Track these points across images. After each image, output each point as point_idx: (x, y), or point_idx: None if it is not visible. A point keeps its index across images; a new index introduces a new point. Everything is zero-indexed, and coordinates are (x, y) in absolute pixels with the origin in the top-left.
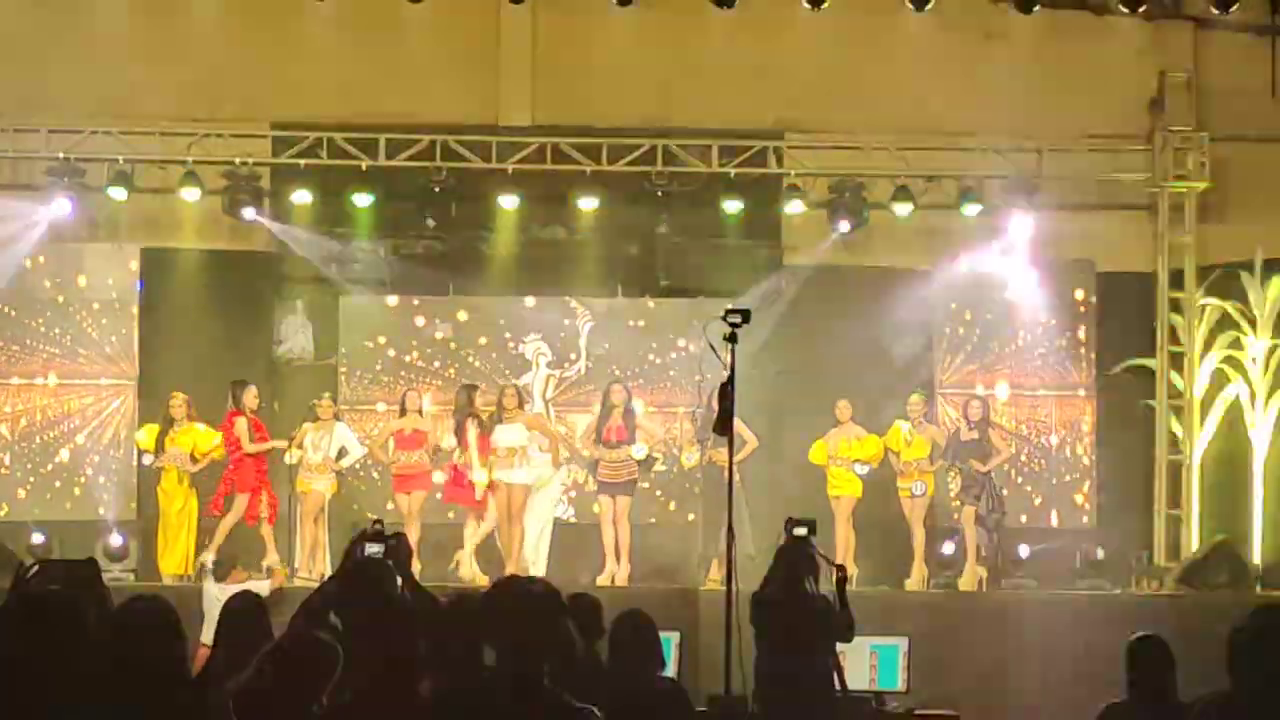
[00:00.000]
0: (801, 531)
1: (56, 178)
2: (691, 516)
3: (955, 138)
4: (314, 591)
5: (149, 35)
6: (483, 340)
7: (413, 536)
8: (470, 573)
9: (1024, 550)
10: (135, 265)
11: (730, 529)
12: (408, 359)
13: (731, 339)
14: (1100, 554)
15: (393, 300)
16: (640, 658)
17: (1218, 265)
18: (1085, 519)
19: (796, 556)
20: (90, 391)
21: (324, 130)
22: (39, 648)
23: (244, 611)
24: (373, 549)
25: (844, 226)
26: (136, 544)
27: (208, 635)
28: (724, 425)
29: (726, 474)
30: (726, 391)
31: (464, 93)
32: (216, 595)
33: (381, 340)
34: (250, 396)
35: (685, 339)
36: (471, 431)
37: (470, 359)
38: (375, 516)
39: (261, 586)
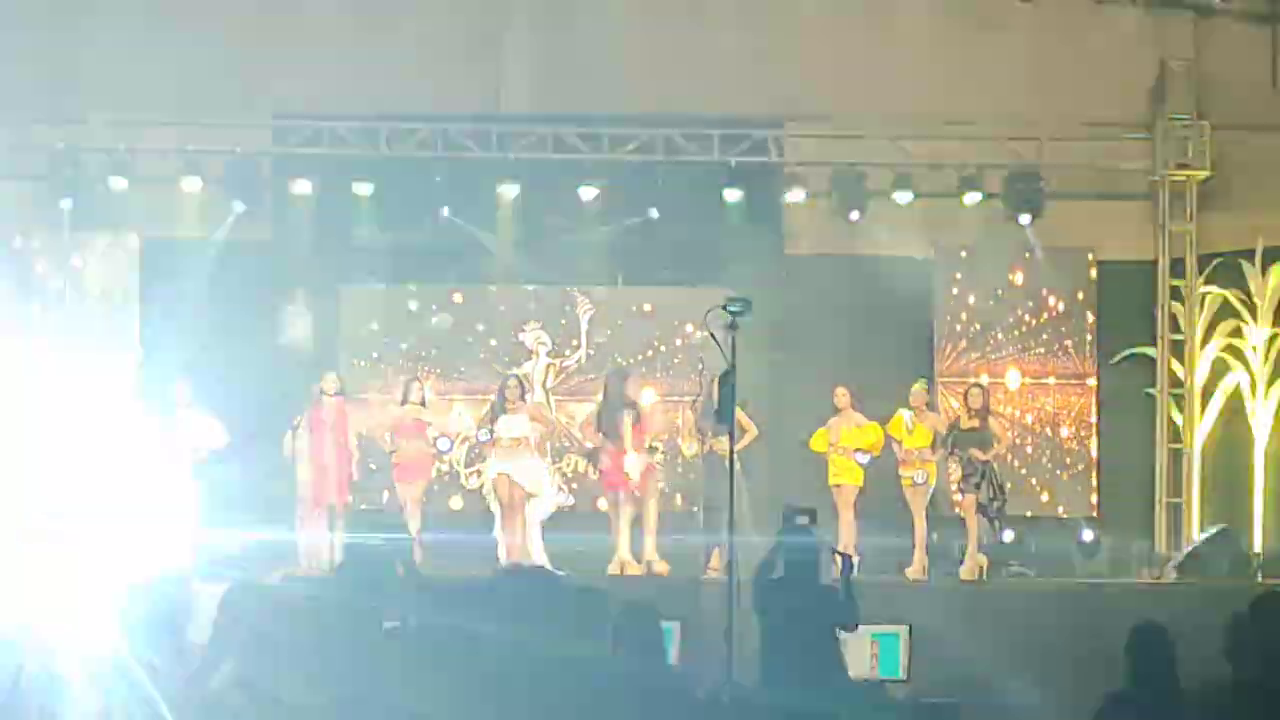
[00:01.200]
0: (803, 520)
1: (58, 167)
2: (696, 508)
3: (956, 126)
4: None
5: (150, 24)
6: (483, 328)
7: (413, 526)
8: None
9: (1008, 535)
10: (136, 255)
11: (732, 518)
12: (407, 348)
13: (732, 328)
14: (1087, 535)
15: (393, 289)
16: (641, 647)
17: (1218, 254)
18: (1086, 507)
19: (798, 545)
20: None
21: (325, 119)
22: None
23: (243, 604)
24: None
25: (854, 215)
26: None
27: (196, 633)
28: (725, 414)
29: (728, 463)
30: (727, 380)
31: (465, 81)
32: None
33: (381, 329)
34: (325, 382)
35: (687, 327)
36: (626, 421)
37: (471, 347)
38: (404, 561)
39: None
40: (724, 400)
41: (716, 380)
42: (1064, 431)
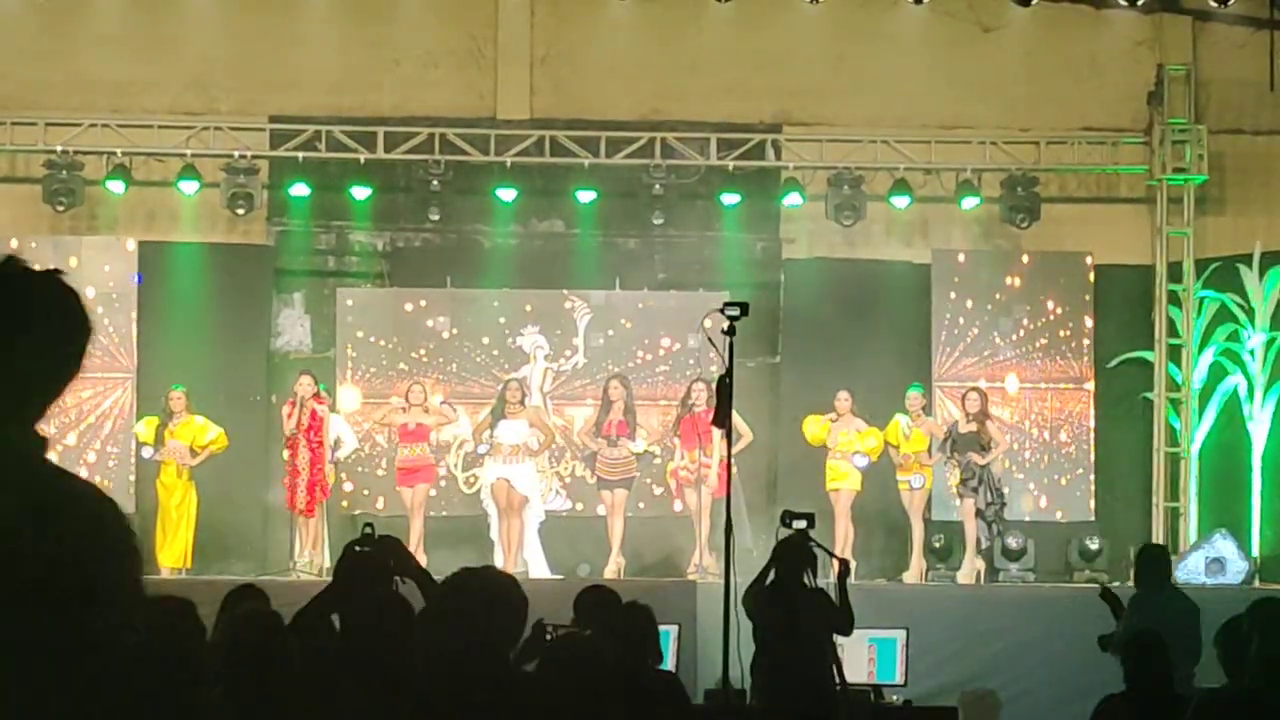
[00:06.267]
0: (800, 524)
1: (54, 170)
2: (680, 506)
3: (954, 130)
4: (310, 600)
5: (147, 28)
6: (480, 334)
7: (416, 530)
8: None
9: (1013, 541)
10: (133, 258)
11: (729, 522)
12: (405, 352)
13: (730, 332)
14: (1096, 544)
15: (390, 293)
16: (639, 650)
17: (1216, 258)
18: (1084, 511)
19: (795, 549)
20: (88, 385)
21: (322, 123)
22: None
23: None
24: (360, 553)
25: (852, 219)
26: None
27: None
28: (721, 418)
29: (727, 467)
30: (724, 385)
31: (462, 85)
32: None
33: (379, 333)
34: (300, 385)
35: (684, 332)
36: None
37: (468, 352)
38: (367, 520)
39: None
40: (721, 404)
41: (714, 384)
42: (1062, 436)
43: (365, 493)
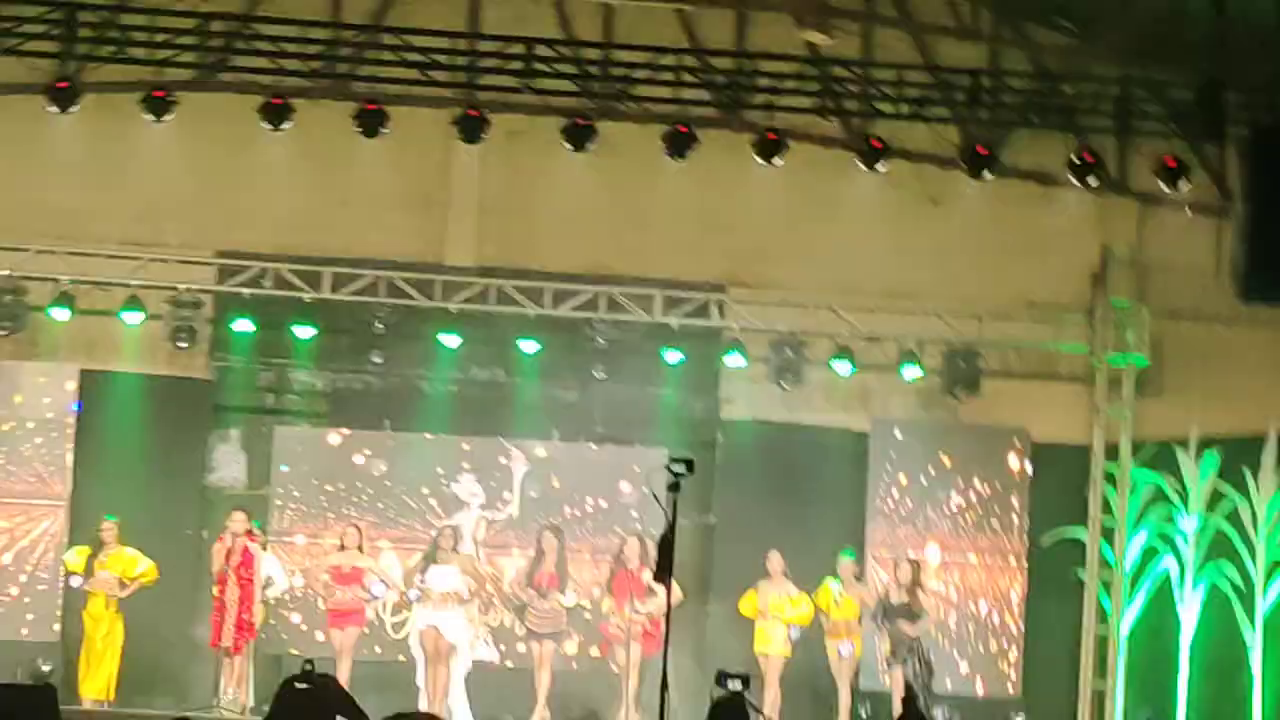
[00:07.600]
0: (735, 685)
1: None
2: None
3: (898, 300)
4: None
5: (100, 156)
6: (415, 478)
7: (344, 672)
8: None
9: (940, 714)
10: (73, 386)
11: (665, 678)
12: (341, 493)
13: (674, 488)
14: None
15: (330, 436)
16: None
17: (1153, 440)
18: (1011, 688)
19: (729, 711)
20: (20, 511)
21: (269, 260)
22: None
23: None
24: (301, 689)
25: (792, 383)
26: (59, 666)
27: None
28: (663, 574)
29: (663, 623)
30: (667, 541)
31: (411, 230)
32: None
33: (313, 471)
34: (234, 521)
35: (621, 485)
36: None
37: (403, 496)
38: (306, 657)
39: None
40: (663, 559)
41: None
42: (992, 610)
43: (304, 629)
